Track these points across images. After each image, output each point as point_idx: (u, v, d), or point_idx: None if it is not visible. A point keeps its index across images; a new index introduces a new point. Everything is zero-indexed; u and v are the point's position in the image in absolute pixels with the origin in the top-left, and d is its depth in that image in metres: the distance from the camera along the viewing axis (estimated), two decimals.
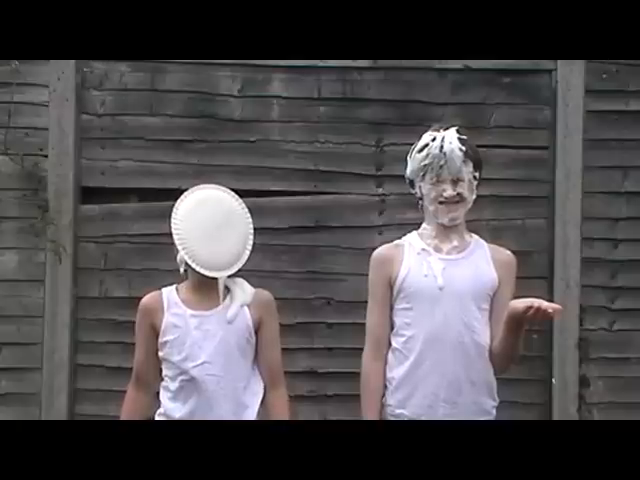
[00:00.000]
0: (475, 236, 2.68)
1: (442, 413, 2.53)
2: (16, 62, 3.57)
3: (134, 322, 2.69)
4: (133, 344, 2.72)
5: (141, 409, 2.68)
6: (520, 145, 3.74)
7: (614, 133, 3.74)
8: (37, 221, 3.62)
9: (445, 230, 2.61)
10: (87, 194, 3.74)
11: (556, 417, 3.65)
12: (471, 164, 2.58)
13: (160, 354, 2.60)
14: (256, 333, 2.61)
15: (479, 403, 2.58)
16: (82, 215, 3.72)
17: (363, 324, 2.75)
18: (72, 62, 3.67)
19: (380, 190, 3.74)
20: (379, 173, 3.74)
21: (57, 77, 3.69)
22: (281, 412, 2.64)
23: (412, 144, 2.67)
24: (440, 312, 2.53)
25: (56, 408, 3.64)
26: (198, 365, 2.54)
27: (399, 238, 2.71)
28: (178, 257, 2.60)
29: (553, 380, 3.67)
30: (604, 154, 3.73)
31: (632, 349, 3.73)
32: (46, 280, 3.67)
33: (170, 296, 2.63)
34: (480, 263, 2.61)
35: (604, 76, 3.73)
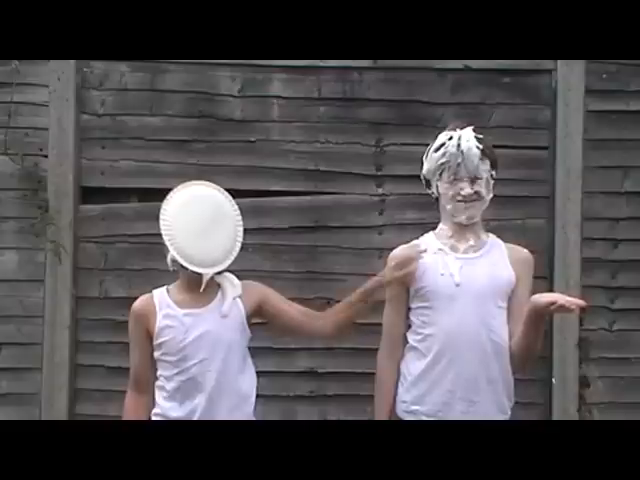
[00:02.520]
0: (492, 235, 2.68)
1: (459, 411, 2.52)
2: (16, 62, 3.57)
3: None
4: None
5: (144, 413, 2.66)
6: (520, 145, 3.73)
7: (614, 133, 3.74)
8: (37, 221, 3.62)
9: (461, 229, 2.60)
10: (87, 194, 3.74)
11: (556, 417, 3.64)
12: (488, 162, 2.58)
13: (156, 354, 2.60)
14: (249, 324, 2.62)
15: (497, 402, 2.56)
16: (82, 215, 3.72)
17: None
18: (72, 62, 3.67)
19: (380, 190, 3.73)
20: (379, 173, 3.73)
21: (57, 77, 3.69)
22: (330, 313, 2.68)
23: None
24: (458, 310, 2.53)
25: (56, 408, 3.63)
26: (197, 363, 2.54)
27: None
28: (168, 257, 2.59)
29: (553, 380, 3.67)
30: (604, 154, 3.72)
31: (632, 349, 3.72)
32: (46, 280, 3.67)
33: (161, 298, 2.62)
34: (497, 261, 2.60)
35: (604, 76, 3.73)
